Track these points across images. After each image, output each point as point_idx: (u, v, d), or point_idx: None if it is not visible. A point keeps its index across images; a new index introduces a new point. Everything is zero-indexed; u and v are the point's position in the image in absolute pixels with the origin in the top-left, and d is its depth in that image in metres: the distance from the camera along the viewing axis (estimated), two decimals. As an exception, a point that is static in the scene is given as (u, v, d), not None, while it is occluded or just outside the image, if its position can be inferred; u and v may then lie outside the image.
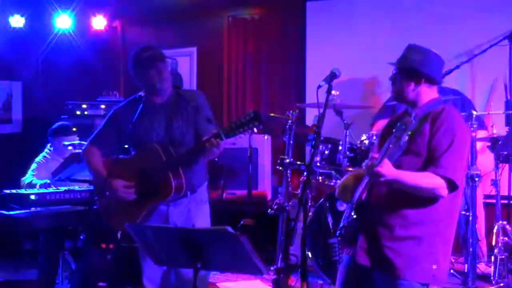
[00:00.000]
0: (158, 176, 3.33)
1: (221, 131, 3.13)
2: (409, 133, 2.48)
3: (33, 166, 5.02)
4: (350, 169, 4.45)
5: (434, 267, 2.72)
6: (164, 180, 3.31)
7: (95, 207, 3.81)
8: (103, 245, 4.50)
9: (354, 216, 2.76)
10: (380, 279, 2.75)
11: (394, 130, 2.48)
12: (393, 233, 2.71)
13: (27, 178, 4.90)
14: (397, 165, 2.59)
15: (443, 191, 2.62)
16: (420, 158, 2.68)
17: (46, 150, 5.12)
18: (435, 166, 2.62)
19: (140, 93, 3.50)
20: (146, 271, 3.54)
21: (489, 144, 4.95)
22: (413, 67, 2.80)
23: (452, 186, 2.62)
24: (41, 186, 4.68)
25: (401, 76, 2.81)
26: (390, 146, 2.49)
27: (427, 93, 2.82)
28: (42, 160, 5.06)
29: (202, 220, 3.50)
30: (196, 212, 3.49)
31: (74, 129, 5.21)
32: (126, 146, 3.61)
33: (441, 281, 2.80)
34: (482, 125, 5.08)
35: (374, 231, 2.74)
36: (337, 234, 2.82)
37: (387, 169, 2.51)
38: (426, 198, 2.66)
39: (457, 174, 2.63)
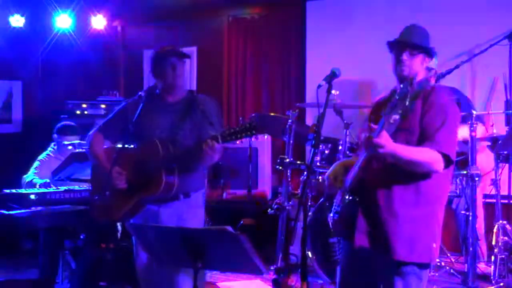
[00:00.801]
0: (151, 170, 3.33)
1: (218, 135, 3.13)
2: (400, 111, 2.50)
3: (36, 164, 5.02)
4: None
5: (434, 245, 2.76)
6: (156, 175, 3.30)
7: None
8: (103, 245, 4.50)
9: (350, 198, 2.78)
10: (381, 262, 2.76)
11: (391, 103, 2.46)
12: (392, 214, 2.72)
13: (29, 176, 4.90)
14: None
15: (439, 165, 2.66)
16: (413, 135, 2.71)
17: (50, 148, 5.13)
18: (431, 142, 2.66)
19: (140, 93, 3.50)
20: (139, 268, 3.54)
21: (489, 144, 4.95)
22: (426, 45, 2.84)
23: (447, 161, 2.66)
24: (41, 185, 4.68)
25: (420, 53, 2.82)
26: (387, 120, 2.51)
27: (423, 72, 2.86)
28: (45, 158, 5.06)
29: (194, 225, 3.46)
30: (188, 216, 3.46)
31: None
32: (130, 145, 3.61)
33: (435, 259, 2.85)
34: (480, 121, 5.07)
35: (372, 212, 2.75)
36: (332, 219, 2.84)
37: (386, 140, 2.51)
38: (420, 177, 2.69)
39: (452, 149, 2.69)
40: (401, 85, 2.56)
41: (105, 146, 3.64)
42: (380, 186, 2.74)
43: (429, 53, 2.84)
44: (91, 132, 3.67)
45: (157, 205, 3.47)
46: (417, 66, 2.82)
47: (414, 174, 2.68)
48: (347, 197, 2.79)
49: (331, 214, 2.90)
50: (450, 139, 2.70)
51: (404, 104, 2.49)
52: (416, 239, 2.72)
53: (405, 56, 2.82)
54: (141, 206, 3.46)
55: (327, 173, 2.98)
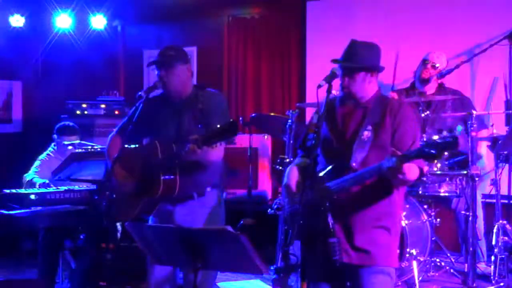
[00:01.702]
0: (151, 172, 3.31)
1: (200, 138, 3.07)
2: (370, 127, 2.70)
3: (37, 163, 5.03)
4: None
5: (398, 251, 3.00)
6: (155, 178, 3.29)
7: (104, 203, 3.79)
8: (103, 245, 4.50)
9: (324, 209, 2.82)
10: (360, 271, 2.86)
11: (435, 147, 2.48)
12: (368, 226, 2.84)
13: (29, 175, 4.90)
14: (365, 160, 2.77)
15: None
16: (385, 152, 2.79)
17: (50, 148, 5.13)
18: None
19: (140, 93, 3.49)
20: (152, 273, 3.53)
21: (489, 144, 4.95)
22: (371, 62, 2.95)
23: (421, 174, 2.81)
24: (41, 185, 4.68)
25: (358, 70, 2.91)
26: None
27: (374, 86, 2.98)
28: (45, 158, 5.06)
29: (209, 225, 3.43)
30: (203, 217, 3.45)
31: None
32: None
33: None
34: (482, 125, 5.08)
35: (347, 225, 2.85)
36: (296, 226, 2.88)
37: (411, 168, 2.65)
38: (393, 189, 2.84)
39: (424, 163, 2.82)
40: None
41: None
42: (356, 201, 2.84)
43: (369, 69, 2.93)
44: (109, 136, 3.68)
45: (172, 204, 3.45)
46: (359, 85, 2.92)
47: (389, 187, 2.82)
48: (321, 207, 2.83)
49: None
50: None
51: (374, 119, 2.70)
52: (390, 246, 2.89)
53: (345, 81, 2.93)
54: (154, 204, 3.45)
55: (285, 182, 3.03)
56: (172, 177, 3.29)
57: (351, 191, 2.82)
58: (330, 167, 2.89)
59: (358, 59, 2.93)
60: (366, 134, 2.77)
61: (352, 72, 2.91)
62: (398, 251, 2.99)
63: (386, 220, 2.87)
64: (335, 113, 3.03)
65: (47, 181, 4.70)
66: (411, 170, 2.67)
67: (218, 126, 3.01)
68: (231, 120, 3.04)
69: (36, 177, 4.85)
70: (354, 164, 2.79)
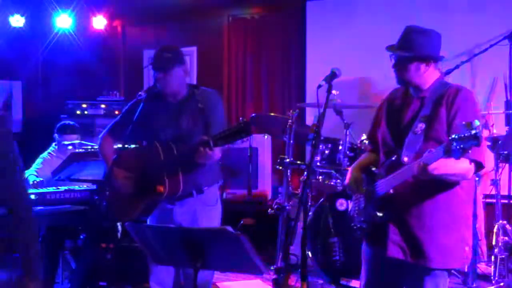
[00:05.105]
0: (154, 174, 3.32)
1: (210, 140, 3.06)
2: (423, 119, 2.53)
3: (39, 161, 5.03)
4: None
5: (467, 249, 2.76)
6: (159, 179, 3.29)
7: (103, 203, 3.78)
8: (103, 245, 4.50)
9: (381, 215, 2.76)
10: (413, 270, 2.76)
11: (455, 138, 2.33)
12: (426, 224, 2.71)
13: (29, 171, 4.90)
14: (420, 154, 2.57)
15: (471, 173, 2.65)
16: (441, 143, 2.62)
17: (51, 147, 5.13)
18: None
19: (140, 92, 3.50)
20: (154, 273, 3.53)
21: (489, 143, 4.95)
22: (423, 50, 2.79)
23: (479, 167, 2.64)
24: (34, 184, 4.66)
25: (411, 60, 2.77)
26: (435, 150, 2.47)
27: (433, 74, 2.83)
28: (47, 157, 5.07)
29: (209, 223, 3.43)
30: (202, 215, 3.45)
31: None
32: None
33: (469, 261, 2.87)
34: (485, 125, 5.07)
35: (404, 222, 2.74)
36: (357, 226, 2.84)
37: (437, 165, 2.48)
38: (450, 185, 2.67)
39: (483, 155, 2.65)
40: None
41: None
42: (412, 197, 2.72)
43: (424, 58, 2.78)
44: (100, 135, 3.67)
45: (171, 203, 3.45)
46: (413, 75, 2.78)
47: (445, 183, 2.66)
48: (378, 213, 2.77)
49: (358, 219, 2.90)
50: (481, 145, 2.62)
51: (428, 110, 2.53)
52: (450, 246, 2.72)
53: (397, 71, 2.81)
54: (154, 205, 3.45)
55: (346, 181, 2.96)
56: (175, 177, 3.29)
57: (409, 187, 2.68)
58: (384, 163, 2.79)
59: (413, 47, 2.78)
60: (420, 126, 2.62)
61: (405, 62, 2.77)
62: (467, 248, 2.76)
63: (445, 218, 2.71)
64: (394, 105, 2.91)
65: (41, 179, 4.70)
66: (445, 167, 2.51)
67: (233, 126, 3.00)
68: (245, 120, 3.03)
69: (32, 175, 4.85)
70: (406, 159, 2.62)
